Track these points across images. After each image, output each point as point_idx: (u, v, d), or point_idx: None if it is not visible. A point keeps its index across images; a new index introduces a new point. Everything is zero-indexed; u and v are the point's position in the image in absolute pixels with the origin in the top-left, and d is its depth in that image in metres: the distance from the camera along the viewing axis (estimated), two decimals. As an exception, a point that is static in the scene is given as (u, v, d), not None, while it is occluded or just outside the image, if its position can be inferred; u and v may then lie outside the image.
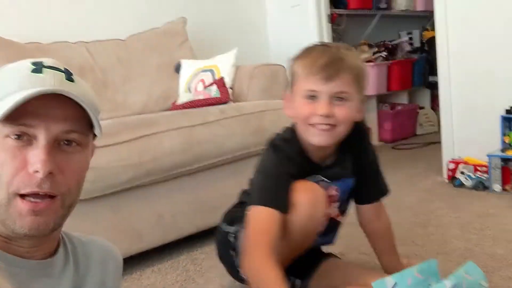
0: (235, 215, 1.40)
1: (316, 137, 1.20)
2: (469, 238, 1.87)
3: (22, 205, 0.71)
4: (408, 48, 4.12)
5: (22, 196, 0.71)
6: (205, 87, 2.41)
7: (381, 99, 3.97)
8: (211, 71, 2.49)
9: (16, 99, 0.69)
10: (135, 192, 1.79)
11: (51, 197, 0.73)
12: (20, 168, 0.71)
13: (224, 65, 2.47)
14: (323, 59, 1.17)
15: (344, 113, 1.19)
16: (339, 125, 1.20)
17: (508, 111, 2.41)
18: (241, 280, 1.42)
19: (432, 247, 1.81)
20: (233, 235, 1.38)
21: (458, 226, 2.02)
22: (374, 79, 3.68)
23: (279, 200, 1.19)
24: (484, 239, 1.86)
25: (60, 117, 0.73)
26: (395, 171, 2.97)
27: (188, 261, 1.85)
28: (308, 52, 1.23)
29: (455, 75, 2.61)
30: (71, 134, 0.75)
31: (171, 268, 1.80)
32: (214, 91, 2.34)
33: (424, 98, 4.30)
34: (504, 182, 2.39)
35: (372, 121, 3.89)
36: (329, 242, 1.49)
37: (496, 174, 2.40)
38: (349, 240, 1.94)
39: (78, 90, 0.75)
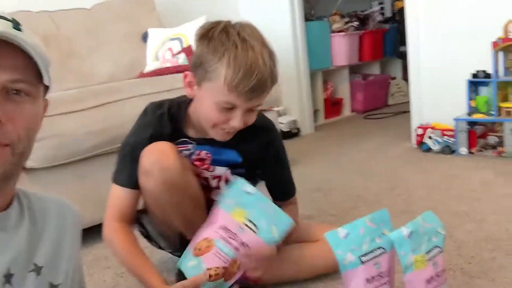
0: None
1: (220, 136, 1.22)
2: (434, 198, 1.92)
3: None
4: (379, 18, 4.13)
5: None
6: (173, 55, 2.38)
7: (353, 69, 3.98)
8: (179, 39, 2.45)
9: None
10: (100, 159, 1.77)
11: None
12: None
13: (192, 33, 2.41)
14: (253, 79, 1.09)
15: (253, 119, 1.21)
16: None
17: (474, 75, 2.44)
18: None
19: (398, 206, 1.84)
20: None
21: (424, 187, 2.06)
22: (346, 49, 3.69)
23: (128, 177, 1.25)
24: (449, 198, 1.90)
25: (7, 66, 0.72)
26: (366, 140, 3.00)
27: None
28: (230, 53, 1.10)
29: (424, 42, 2.62)
30: (19, 84, 0.73)
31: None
32: (182, 59, 2.31)
33: (396, 68, 4.33)
34: (470, 145, 2.44)
35: (344, 92, 3.91)
36: None
37: (463, 137, 2.44)
38: (318, 204, 1.97)
39: (26, 39, 0.73)
